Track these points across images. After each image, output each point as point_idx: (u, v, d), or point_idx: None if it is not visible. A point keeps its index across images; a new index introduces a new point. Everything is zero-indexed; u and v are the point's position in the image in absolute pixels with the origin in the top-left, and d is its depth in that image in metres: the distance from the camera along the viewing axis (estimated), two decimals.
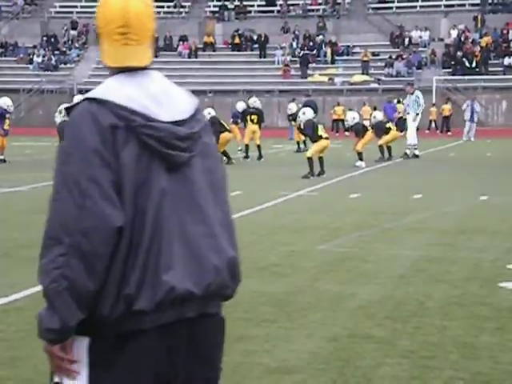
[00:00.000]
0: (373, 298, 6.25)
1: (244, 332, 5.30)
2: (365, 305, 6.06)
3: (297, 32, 44.01)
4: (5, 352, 4.87)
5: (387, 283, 6.81)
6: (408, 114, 22.55)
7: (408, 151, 21.77)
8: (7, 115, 19.88)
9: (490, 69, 40.72)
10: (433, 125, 38.29)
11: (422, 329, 5.41)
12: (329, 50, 43.02)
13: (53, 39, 45.80)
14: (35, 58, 44.47)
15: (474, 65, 40.73)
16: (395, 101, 37.04)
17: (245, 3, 46.87)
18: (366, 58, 41.87)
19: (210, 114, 19.58)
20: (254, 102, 22.09)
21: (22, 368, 4.58)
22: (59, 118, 12.42)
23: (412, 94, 22.37)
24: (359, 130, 19.37)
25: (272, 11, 46.63)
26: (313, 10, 46.14)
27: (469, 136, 31.08)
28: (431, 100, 38.50)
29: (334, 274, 7.18)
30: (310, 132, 16.65)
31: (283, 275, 7.13)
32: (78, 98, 20.17)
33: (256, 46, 44.38)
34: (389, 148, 20.54)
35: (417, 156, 21.69)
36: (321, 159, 16.32)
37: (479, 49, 41.27)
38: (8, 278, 6.94)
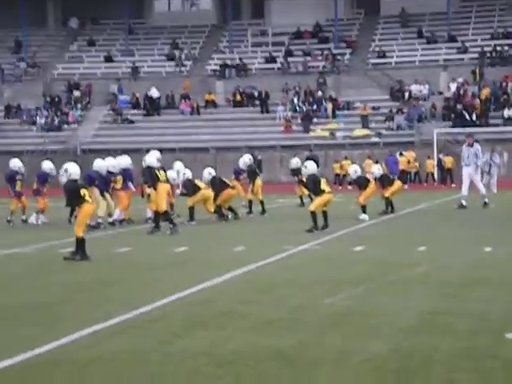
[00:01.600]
0: (379, 352, 6.19)
1: None
2: (371, 359, 6.01)
3: (297, 88, 44.52)
4: None
5: (393, 336, 6.75)
6: (466, 165, 22.37)
7: (464, 202, 21.90)
8: (18, 177, 20.11)
9: (490, 121, 41.03)
10: (430, 177, 38.53)
11: (429, 382, 5.36)
12: (329, 105, 43.45)
13: (56, 100, 46.35)
14: (38, 120, 44.94)
15: (474, 117, 41.05)
16: (397, 154, 37.32)
17: (245, 61, 47.54)
18: (365, 113, 42.25)
19: (210, 174, 19.70)
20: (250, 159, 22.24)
21: None
22: (65, 176, 12.43)
23: (471, 146, 22.32)
24: (362, 183, 19.44)
25: (272, 68, 47.27)
26: (313, 67, 46.76)
27: (491, 189, 30.05)
28: (431, 153, 38.73)
29: (339, 329, 7.13)
30: (312, 186, 16.72)
31: (289, 330, 7.09)
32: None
33: (257, 102, 44.86)
34: (391, 202, 20.57)
35: (464, 206, 21.84)
36: (324, 213, 16.34)
37: (479, 101, 41.66)
38: (6, 342, 6.88)
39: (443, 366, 5.73)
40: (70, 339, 6.81)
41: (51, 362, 6.08)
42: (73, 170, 12.51)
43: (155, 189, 16.73)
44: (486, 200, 22.28)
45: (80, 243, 12.12)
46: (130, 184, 18.84)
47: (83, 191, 12.29)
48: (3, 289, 9.72)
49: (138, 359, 6.10)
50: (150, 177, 16.77)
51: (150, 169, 16.92)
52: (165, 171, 17.64)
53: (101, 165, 18.48)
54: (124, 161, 19.23)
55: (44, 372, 5.78)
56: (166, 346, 6.56)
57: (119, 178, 18.73)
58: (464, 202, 22.06)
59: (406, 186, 29.21)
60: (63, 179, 12.46)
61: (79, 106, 45.90)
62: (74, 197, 12.26)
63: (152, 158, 17.25)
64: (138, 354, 6.28)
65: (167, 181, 17.41)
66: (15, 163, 20.27)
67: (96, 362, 6.01)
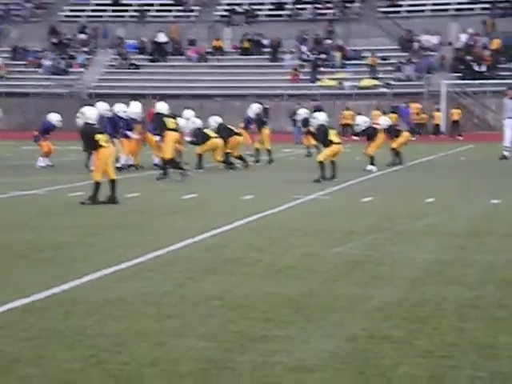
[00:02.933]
0: (389, 300, 6.30)
1: (263, 332, 5.37)
2: (381, 306, 6.11)
3: (306, 36, 44.08)
4: (29, 350, 4.95)
5: (402, 285, 6.86)
6: (509, 117, 22.46)
7: (506, 153, 22.21)
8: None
9: (499, 73, 40.68)
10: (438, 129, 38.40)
11: (439, 330, 5.46)
12: (338, 55, 43.07)
13: (62, 43, 46.01)
14: (44, 62, 44.67)
15: (483, 69, 40.70)
16: (404, 105, 37.09)
17: (254, 7, 46.98)
18: (373, 63, 41.91)
19: (216, 122, 19.65)
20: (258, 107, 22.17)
21: (46, 366, 4.65)
22: (81, 119, 12.38)
23: None
24: (371, 134, 19.42)
25: (281, 15, 46.73)
26: (322, 14, 46.21)
27: None
28: (439, 104, 38.51)
29: (349, 277, 7.23)
30: (321, 137, 16.72)
31: (299, 277, 7.19)
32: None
33: (265, 50, 44.46)
34: (398, 153, 20.57)
35: (506, 157, 22.18)
36: (333, 163, 16.37)
37: (489, 53, 41.25)
38: (27, 279, 7.02)
39: (452, 315, 5.84)
40: (85, 280, 6.94)
41: (68, 301, 6.20)
42: (89, 113, 12.48)
43: (162, 136, 16.72)
44: (507, 154, 22.50)
45: (96, 187, 12.19)
46: (129, 132, 18.71)
47: (98, 136, 12.29)
48: (18, 229, 9.83)
49: (153, 302, 6.22)
50: (158, 124, 16.77)
51: (159, 115, 16.91)
52: (175, 119, 17.57)
53: (104, 108, 18.41)
54: (134, 108, 19.18)
55: (62, 310, 5.90)
56: (179, 289, 6.67)
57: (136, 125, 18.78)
58: (506, 153, 22.30)
59: (413, 138, 29.10)
60: (80, 122, 12.42)
61: (85, 49, 45.58)
62: (89, 141, 12.28)
63: (162, 105, 17.21)
64: (152, 296, 6.39)
65: (177, 129, 17.32)
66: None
67: (112, 304, 6.13)
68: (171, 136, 16.74)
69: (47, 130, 20.04)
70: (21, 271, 7.39)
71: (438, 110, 38.48)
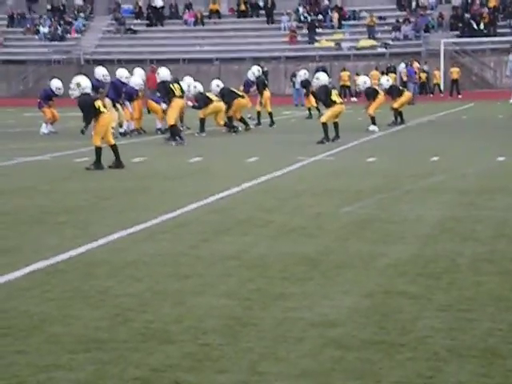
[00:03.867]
0: (403, 257, 6.38)
1: (282, 290, 5.45)
2: (395, 263, 6.19)
3: None
4: (55, 310, 5.03)
5: (415, 242, 6.93)
6: (509, 76, 22.55)
7: None
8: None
9: (498, 30, 40.46)
10: (437, 88, 38.29)
11: (455, 284, 5.55)
12: (335, 15, 42.77)
13: (59, 9, 45.62)
14: (41, 29, 44.33)
15: (481, 27, 40.47)
16: (402, 65, 36.92)
17: None
18: (371, 23, 41.63)
19: (218, 86, 19.59)
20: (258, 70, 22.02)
21: (74, 325, 4.74)
22: (77, 91, 12.32)
23: None
24: (370, 94, 19.39)
25: None
26: None
27: None
28: (438, 64, 38.36)
29: (361, 235, 7.30)
30: (323, 97, 16.69)
31: (311, 236, 7.26)
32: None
33: (262, 12, 44.12)
34: (400, 113, 20.57)
35: None
36: (336, 124, 16.38)
37: (487, 10, 40.98)
38: (44, 242, 7.10)
39: (468, 270, 5.92)
40: (102, 243, 7.02)
41: (87, 263, 6.29)
42: (84, 83, 12.45)
43: (170, 103, 16.62)
44: None
45: (97, 152, 12.23)
46: (128, 103, 18.56)
47: (97, 103, 12.30)
48: (28, 194, 9.89)
49: (170, 262, 6.30)
50: (165, 91, 16.67)
51: (164, 83, 16.81)
52: (179, 84, 17.49)
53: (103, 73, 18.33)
54: (137, 78, 19.08)
55: (82, 272, 5.99)
56: (195, 250, 6.75)
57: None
58: None
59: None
60: (75, 93, 12.37)
61: (82, 15, 45.19)
62: (89, 111, 12.27)
63: (165, 72, 17.11)
64: (169, 257, 6.48)
65: (182, 95, 17.20)
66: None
67: (130, 265, 6.21)
68: (178, 103, 16.71)
69: (49, 96, 19.98)
70: (37, 235, 7.47)
71: (437, 69, 38.35)
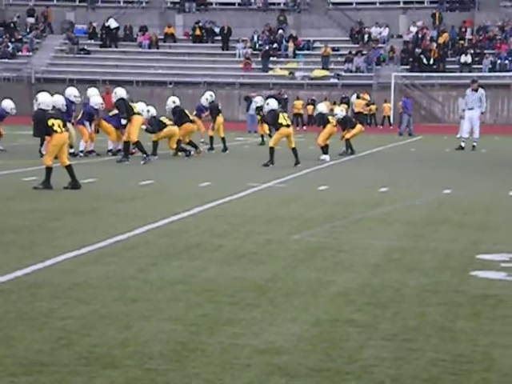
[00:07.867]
0: (350, 285, 6.43)
1: (230, 316, 5.44)
2: (343, 291, 6.24)
3: (258, 25, 44.16)
4: None
5: (363, 271, 7.00)
6: (469, 109, 22.88)
7: (463, 144, 22.87)
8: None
9: (446, 66, 41.43)
10: (386, 121, 38.98)
11: (401, 314, 5.62)
12: (290, 44, 43.27)
13: (10, 26, 45.16)
14: None
15: (431, 62, 41.39)
16: (354, 96, 37.47)
17: None
18: (326, 54, 42.23)
19: (174, 102, 19.68)
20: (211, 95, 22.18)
21: (15, 347, 4.65)
22: (35, 105, 12.30)
23: (476, 90, 22.79)
24: (321, 122, 19.53)
25: (233, 3, 46.69)
26: (274, 4, 46.32)
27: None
28: (388, 96, 39.02)
29: (310, 263, 7.35)
30: (270, 120, 17.26)
31: (261, 263, 7.28)
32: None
33: (217, 38, 44.39)
34: (350, 143, 20.83)
35: (462, 148, 22.81)
36: (294, 150, 16.84)
37: (435, 46, 41.96)
38: None
39: (413, 300, 6.00)
40: (48, 264, 6.92)
41: (32, 284, 6.18)
42: (42, 99, 12.37)
43: (130, 120, 16.84)
44: (475, 144, 23.15)
45: (47, 172, 12.09)
46: (87, 123, 18.45)
47: (51, 121, 12.18)
48: None
49: (117, 285, 6.23)
50: (125, 108, 16.89)
51: (124, 100, 17.00)
52: (134, 103, 17.61)
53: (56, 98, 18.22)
54: (97, 98, 18.98)
55: (27, 293, 5.89)
56: (143, 273, 6.70)
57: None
58: (463, 144, 22.86)
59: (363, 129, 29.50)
60: (34, 107, 12.33)
61: (34, 33, 44.81)
62: (40, 126, 12.15)
63: (122, 91, 17.27)
64: (117, 280, 6.41)
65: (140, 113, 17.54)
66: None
67: (77, 287, 6.14)
68: (138, 119, 17.05)
69: (2, 117, 19.71)
70: None
71: (386, 101, 39.05)
